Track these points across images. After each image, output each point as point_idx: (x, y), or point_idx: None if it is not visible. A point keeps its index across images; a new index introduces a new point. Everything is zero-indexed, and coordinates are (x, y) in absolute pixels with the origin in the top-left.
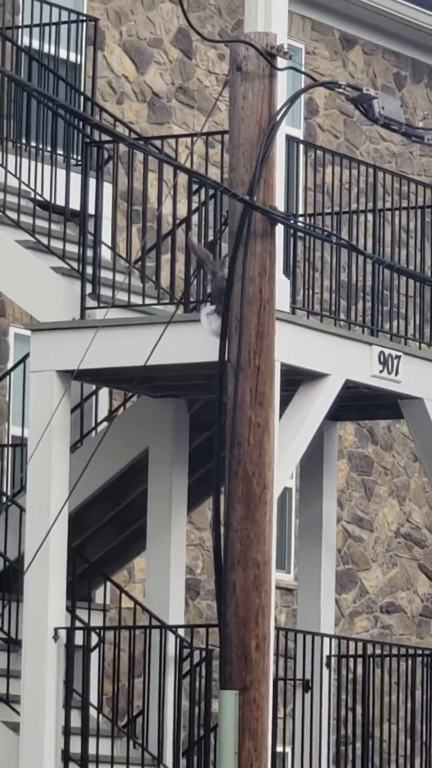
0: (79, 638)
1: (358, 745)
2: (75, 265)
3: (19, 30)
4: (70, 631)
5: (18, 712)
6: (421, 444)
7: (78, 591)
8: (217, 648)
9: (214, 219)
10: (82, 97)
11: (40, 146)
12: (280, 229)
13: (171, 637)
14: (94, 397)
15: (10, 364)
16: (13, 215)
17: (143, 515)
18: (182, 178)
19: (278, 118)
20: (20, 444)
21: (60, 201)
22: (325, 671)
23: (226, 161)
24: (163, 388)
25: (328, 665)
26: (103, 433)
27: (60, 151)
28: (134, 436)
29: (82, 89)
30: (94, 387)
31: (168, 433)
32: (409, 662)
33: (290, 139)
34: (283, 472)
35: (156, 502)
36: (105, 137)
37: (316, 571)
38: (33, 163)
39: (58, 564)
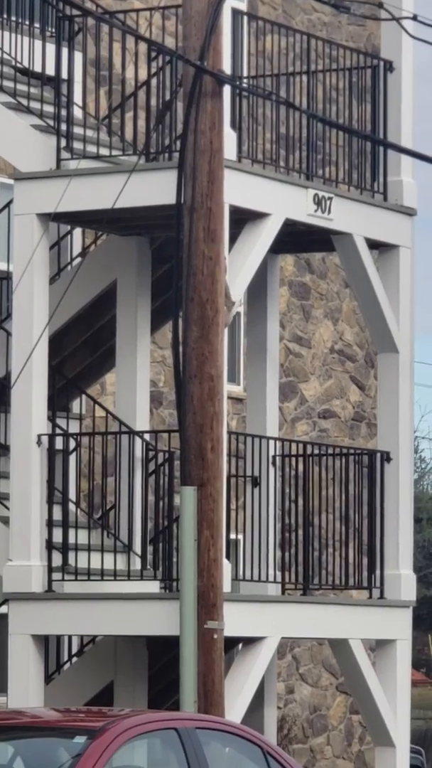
0: (59, 443)
1: (300, 532)
2: (51, 122)
3: None
4: (51, 437)
5: (8, 508)
6: (351, 272)
7: (57, 403)
8: (178, 450)
9: (171, 82)
10: None
11: (20, 20)
12: (227, 89)
13: (138, 441)
14: (68, 236)
15: None
16: None
17: (113, 337)
18: (143, 46)
19: None
20: (6, 277)
21: (37, 68)
22: (271, 469)
23: (181, 32)
24: (129, 228)
25: (274, 464)
26: (77, 267)
27: (37, 24)
28: (104, 269)
29: None
30: (69, 227)
31: (133, 267)
32: (344, 460)
33: (235, 12)
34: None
35: (124, 326)
36: (76, 12)
37: (262, 383)
38: (13, 35)
39: (40, 380)
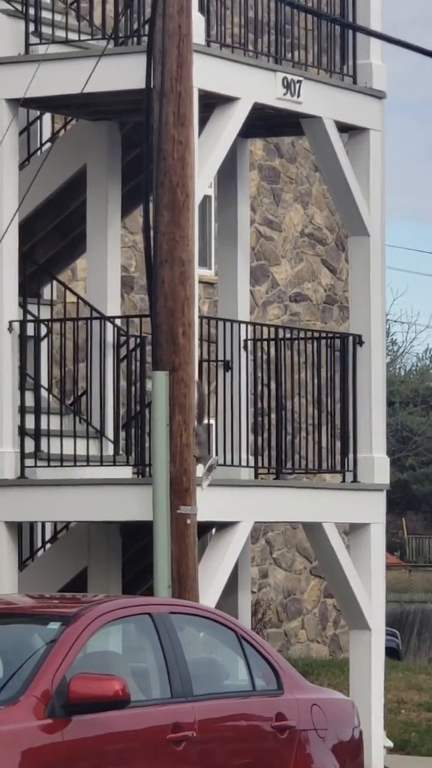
0: (30, 330)
1: (273, 416)
2: (19, 7)
3: None
4: (23, 324)
5: None
6: (320, 156)
7: (28, 289)
8: (149, 335)
9: None
10: None
11: None
12: None
13: (109, 327)
14: (38, 122)
15: None
16: None
17: (83, 222)
18: None
19: None
20: None
21: None
22: (243, 353)
23: None
24: (98, 113)
25: (246, 348)
26: (46, 153)
27: None
28: (74, 154)
29: None
30: (38, 113)
31: (103, 151)
32: (316, 344)
33: None
34: (203, 182)
35: (94, 211)
36: None
37: (233, 267)
38: None
39: (10, 266)
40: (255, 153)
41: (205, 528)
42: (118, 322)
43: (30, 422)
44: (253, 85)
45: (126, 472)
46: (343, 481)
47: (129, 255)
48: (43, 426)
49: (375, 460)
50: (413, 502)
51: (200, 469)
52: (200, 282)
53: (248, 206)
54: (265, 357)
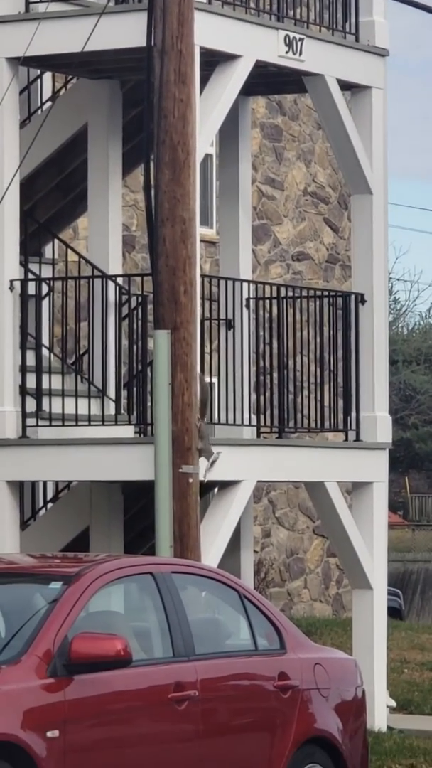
0: (31, 288)
1: (275, 375)
2: None
3: None
4: (24, 283)
5: None
6: (323, 114)
7: (30, 248)
8: (151, 294)
9: None
10: None
11: None
12: None
13: (111, 285)
14: (38, 80)
15: None
16: None
17: (85, 181)
18: None
19: None
20: None
21: None
22: (245, 312)
23: None
24: (99, 71)
25: (248, 306)
26: (47, 111)
27: None
28: (75, 113)
29: None
30: (38, 72)
31: (104, 110)
32: (318, 303)
33: None
34: (204, 141)
35: (95, 169)
36: None
37: (235, 226)
38: None
39: (11, 225)
40: (257, 111)
41: (207, 487)
42: (119, 280)
43: (31, 381)
44: (255, 43)
45: (127, 431)
46: (346, 440)
47: (130, 214)
48: (45, 385)
49: (377, 418)
50: (416, 461)
51: (203, 463)
52: (202, 241)
53: (250, 165)
54: (267, 316)
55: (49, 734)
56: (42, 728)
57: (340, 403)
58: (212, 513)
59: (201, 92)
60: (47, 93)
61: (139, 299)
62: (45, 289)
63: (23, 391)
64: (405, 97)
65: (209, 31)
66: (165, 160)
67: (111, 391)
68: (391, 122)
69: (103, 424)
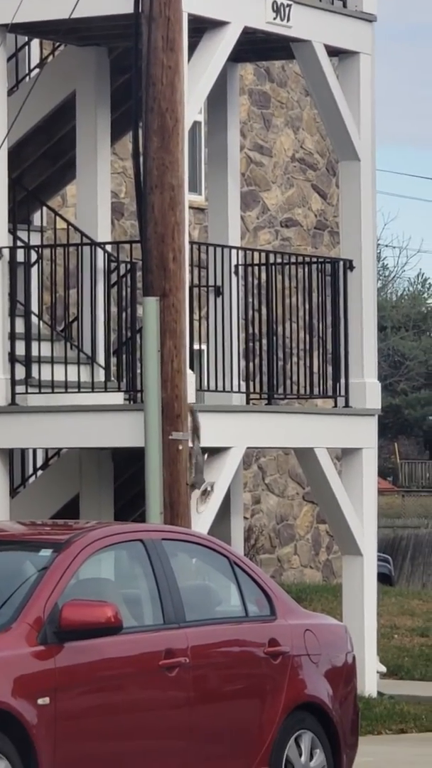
0: (20, 256)
1: (264, 341)
2: None
3: None
4: (13, 250)
5: None
6: (311, 80)
7: (18, 215)
8: (140, 261)
9: None
10: None
11: None
12: None
13: (100, 252)
14: (26, 47)
15: None
16: None
17: (73, 148)
18: None
19: None
20: None
21: None
22: (234, 278)
23: None
24: (87, 38)
25: (236, 273)
26: (35, 78)
27: None
28: (63, 80)
29: None
30: (26, 38)
31: (92, 77)
32: (307, 269)
33: None
34: (193, 108)
35: (83, 137)
36: None
37: (224, 193)
38: None
39: (0, 192)
40: (245, 77)
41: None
42: (108, 248)
43: (21, 349)
44: (243, 10)
45: (117, 398)
46: (335, 406)
47: (119, 181)
48: (34, 352)
49: (366, 385)
50: (405, 426)
51: (196, 495)
52: (190, 207)
53: (238, 131)
54: (255, 282)
55: (39, 701)
56: (33, 696)
57: (329, 369)
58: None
59: (189, 59)
60: (35, 60)
61: (128, 266)
62: (34, 256)
63: (12, 358)
64: (393, 63)
65: None
66: (153, 128)
67: (100, 358)
68: (379, 88)
69: (92, 391)
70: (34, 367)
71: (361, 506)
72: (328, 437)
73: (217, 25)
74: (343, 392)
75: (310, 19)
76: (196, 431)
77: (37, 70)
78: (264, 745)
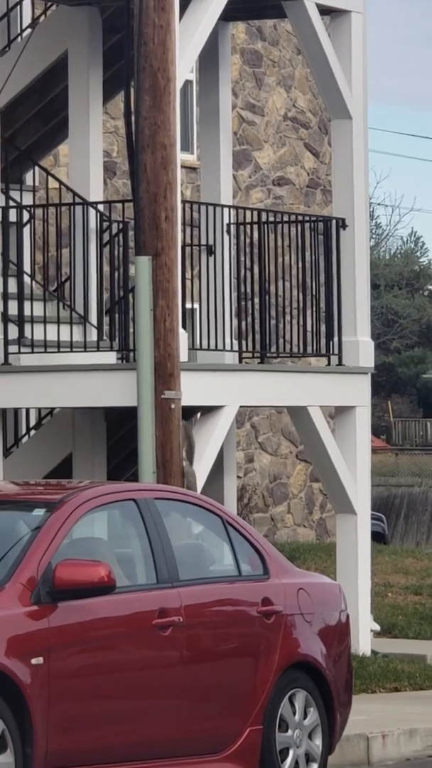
0: (12, 216)
1: (257, 300)
2: None
3: None
4: (5, 210)
5: None
6: (302, 39)
7: (10, 175)
8: (132, 220)
9: None
10: None
11: None
12: None
13: (92, 212)
14: (18, 7)
15: None
16: None
17: (65, 108)
18: None
19: None
20: None
21: None
22: (226, 237)
23: None
24: None
25: (229, 232)
26: (27, 39)
27: None
28: (54, 40)
29: None
30: None
31: (84, 37)
32: (299, 228)
33: None
34: (184, 67)
35: (76, 96)
36: None
37: (216, 152)
38: None
39: None
40: (237, 36)
41: (190, 412)
42: (100, 207)
43: (13, 308)
44: None
45: (110, 357)
46: (328, 364)
47: (111, 140)
48: (27, 312)
49: (360, 343)
50: (398, 385)
51: None
52: (182, 167)
53: (230, 90)
54: (248, 241)
55: (33, 661)
56: (26, 655)
57: (323, 327)
58: (195, 438)
59: (180, 18)
60: (27, 20)
61: (120, 226)
62: (26, 216)
63: (5, 318)
64: (385, 22)
65: None
66: (145, 87)
67: (93, 318)
68: (370, 47)
69: (85, 351)
70: (27, 327)
71: (355, 465)
72: (321, 395)
73: None
74: (336, 351)
75: None
76: (190, 450)
77: (29, 30)
78: (258, 703)
